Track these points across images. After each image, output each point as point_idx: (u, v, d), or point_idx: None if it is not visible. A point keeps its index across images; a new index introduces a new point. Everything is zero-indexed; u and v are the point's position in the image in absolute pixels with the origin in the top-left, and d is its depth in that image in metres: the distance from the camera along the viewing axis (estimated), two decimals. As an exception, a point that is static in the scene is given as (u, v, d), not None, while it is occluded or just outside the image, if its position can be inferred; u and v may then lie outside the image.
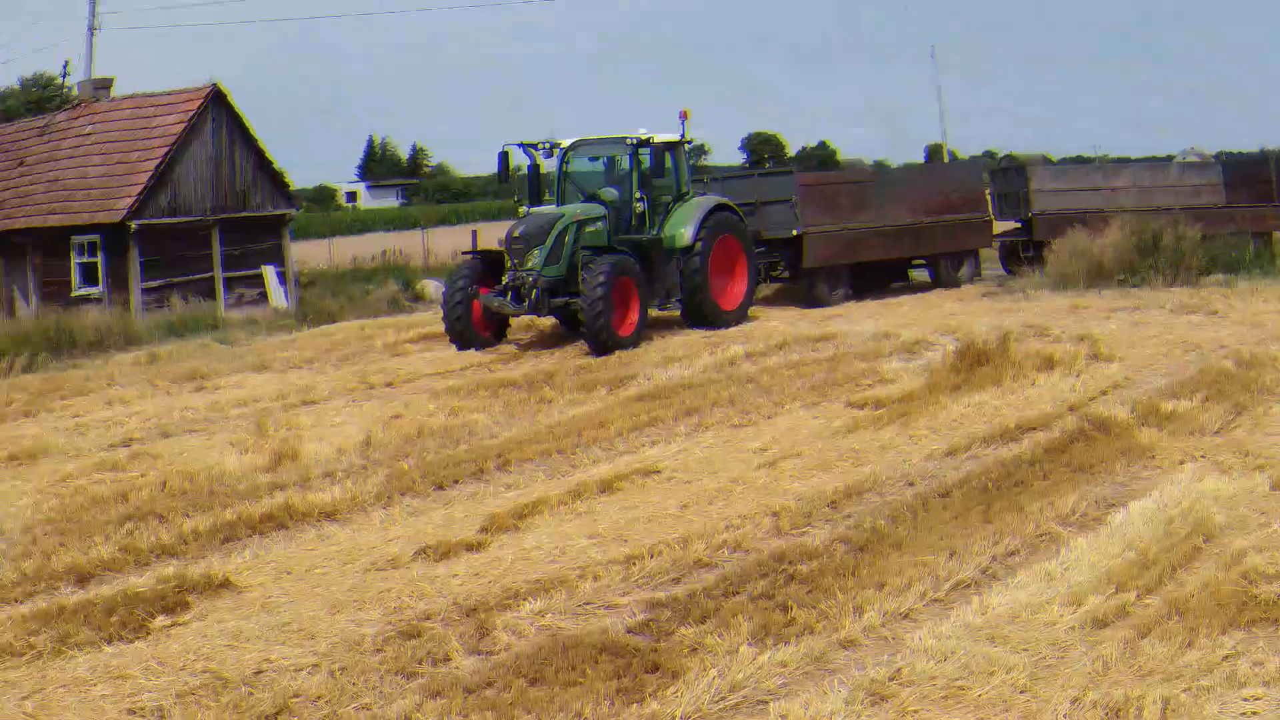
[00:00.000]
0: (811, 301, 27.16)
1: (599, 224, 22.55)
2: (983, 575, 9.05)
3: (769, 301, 27.86)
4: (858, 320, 24.01)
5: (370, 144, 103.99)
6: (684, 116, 23.92)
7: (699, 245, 23.01)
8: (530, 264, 21.59)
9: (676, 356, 20.47)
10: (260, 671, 7.68)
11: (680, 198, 23.86)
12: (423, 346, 23.39)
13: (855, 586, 8.73)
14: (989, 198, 32.28)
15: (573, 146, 23.95)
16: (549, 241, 21.70)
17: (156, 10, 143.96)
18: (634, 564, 9.49)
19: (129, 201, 34.27)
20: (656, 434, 14.54)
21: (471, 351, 22.12)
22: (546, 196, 24.53)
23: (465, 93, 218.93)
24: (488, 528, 10.72)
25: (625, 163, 23.53)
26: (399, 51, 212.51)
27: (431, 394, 18.02)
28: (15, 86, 64.77)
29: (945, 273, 30.40)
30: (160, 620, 8.75)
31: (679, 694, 6.97)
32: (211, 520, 11.48)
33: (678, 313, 23.66)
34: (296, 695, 7.26)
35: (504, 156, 24.95)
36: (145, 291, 33.99)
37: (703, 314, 23.22)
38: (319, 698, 7.24)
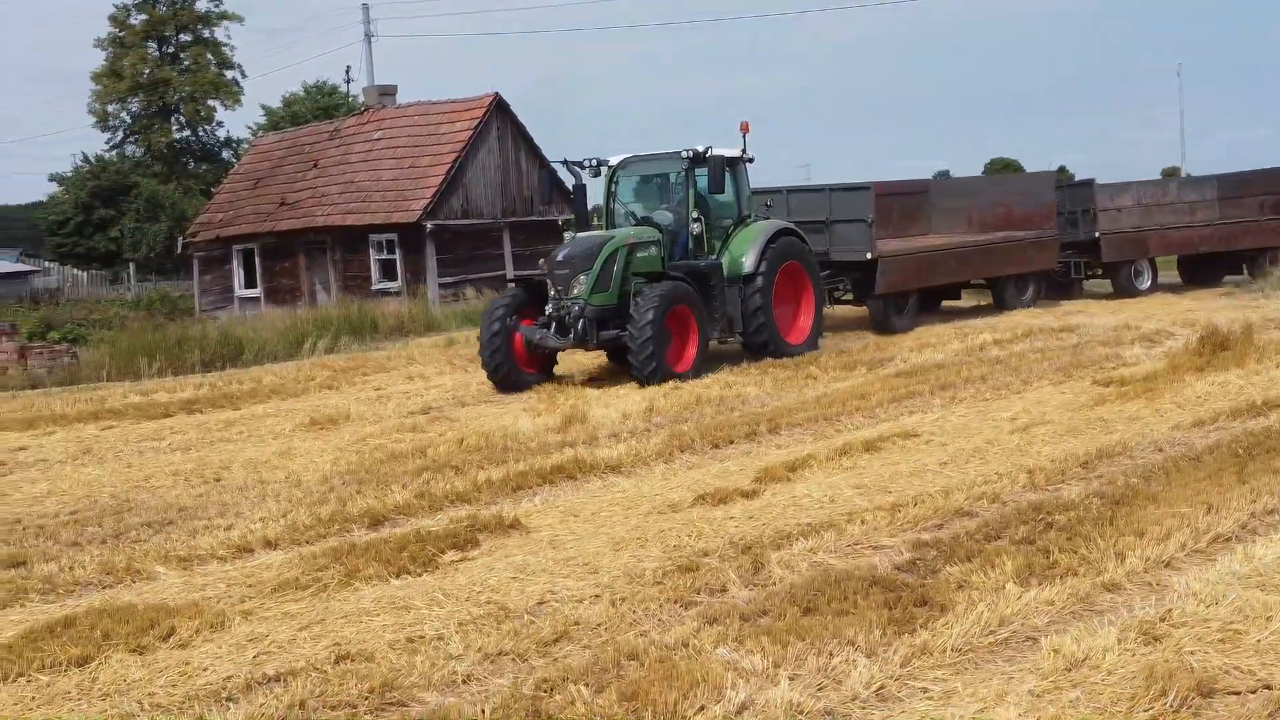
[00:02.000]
0: (882, 328, 22.89)
1: (652, 249, 18.52)
2: (1242, 530, 8.35)
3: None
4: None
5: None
6: (744, 130, 19.77)
7: (761, 274, 19.12)
8: (576, 292, 17.65)
9: (929, 343, 20.38)
10: (543, 602, 7.52)
11: (740, 220, 19.81)
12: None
13: (1114, 534, 8.16)
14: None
15: (621, 164, 19.85)
16: (596, 267, 17.68)
17: (429, 18, 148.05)
18: (898, 511, 9.11)
19: (423, 203, 35.30)
20: (914, 405, 14.25)
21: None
22: (596, 221, 20.92)
23: (724, 121, 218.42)
24: (761, 478, 10.48)
25: (679, 182, 19.36)
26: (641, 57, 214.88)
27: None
28: (300, 94, 67.56)
29: (1007, 295, 25.93)
30: (450, 556, 8.68)
31: (949, 625, 6.56)
32: (504, 471, 11.49)
33: (740, 346, 19.67)
34: (577, 623, 7.07)
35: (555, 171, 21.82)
36: (441, 286, 35.07)
37: (765, 348, 19.14)
38: (599, 625, 7.04)
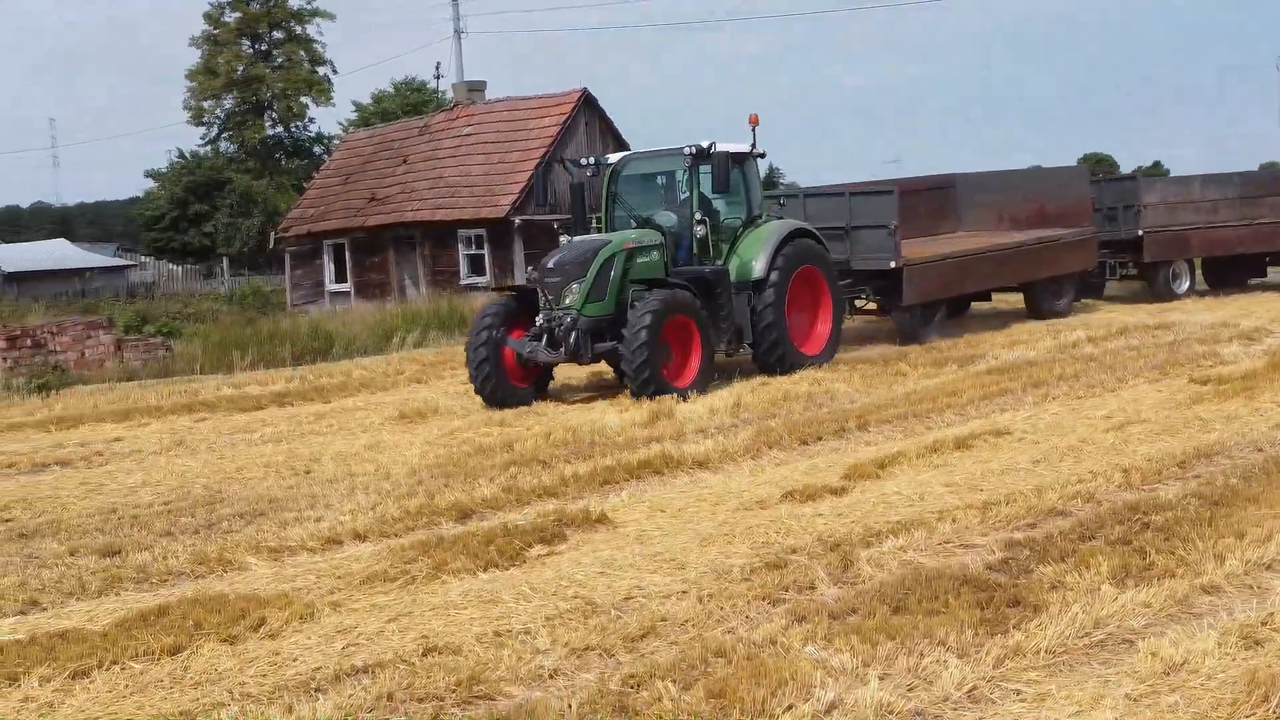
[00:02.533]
0: (909, 338, 21.03)
1: (653, 254, 16.99)
2: (1350, 534, 8.34)
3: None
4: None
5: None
6: (753, 123, 18.12)
7: (772, 279, 17.47)
8: (568, 301, 16.21)
9: (1020, 339, 20.10)
10: (630, 597, 7.47)
11: (751, 222, 18.16)
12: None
13: (1213, 535, 7.97)
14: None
15: (621, 162, 18.45)
16: (590, 274, 16.19)
17: (518, 14, 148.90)
18: (990, 509, 8.98)
19: (511, 199, 35.41)
20: (1005, 402, 14.04)
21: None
22: (595, 224, 19.10)
23: (828, 116, 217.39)
24: (850, 475, 10.38)
25: (682, 180, 17.83)
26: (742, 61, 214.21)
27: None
28: (390, 90, 68.11)
29: (1043, 300, 23.97)
30: (537, 550, 8.66)
31: (1042, 626, 6.43)
32: (591, 466, 11.49)
33: (750, 358, 18.06)
34: (664, 619, 7.01)
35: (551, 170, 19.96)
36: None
37: (777, 359, 17.47)
38: (686, 621, 6.98)
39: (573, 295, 16.22)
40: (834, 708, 5.69)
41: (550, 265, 16.60)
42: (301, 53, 67.76)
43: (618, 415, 14.33)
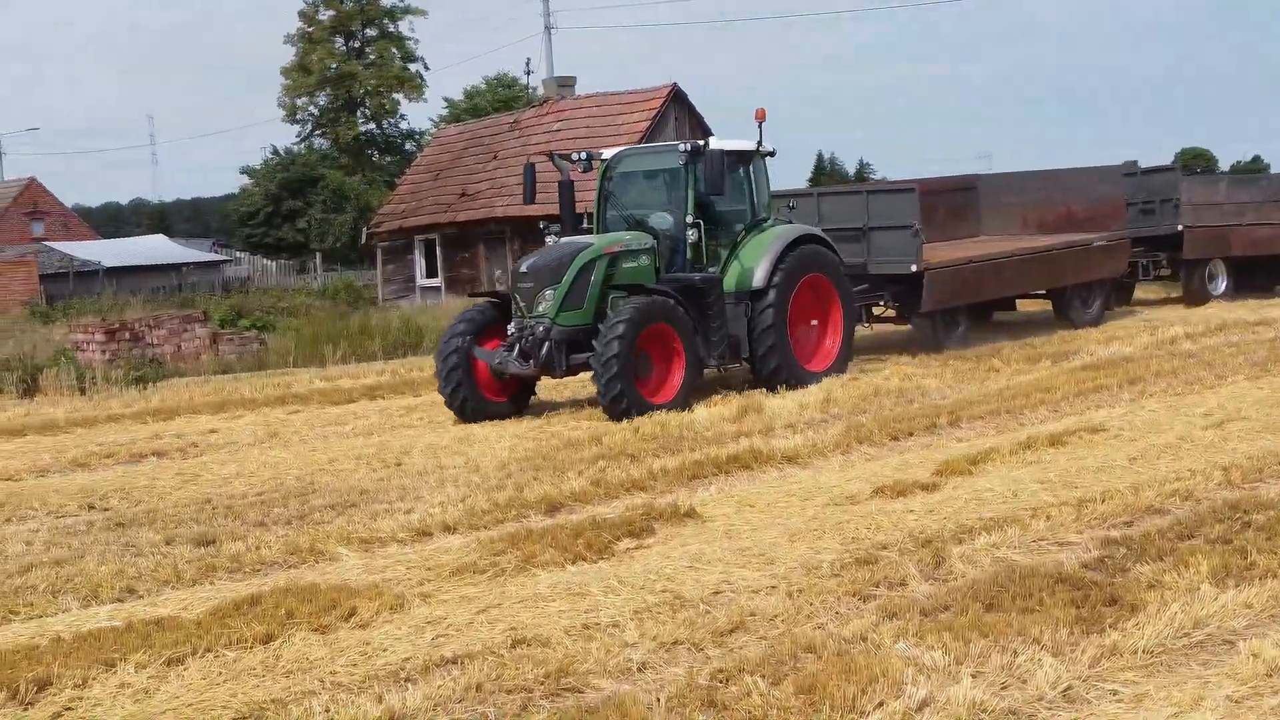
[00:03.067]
0: (931, 349, 19.41)
1: (643, 258, 15.57)
2: None
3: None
4: None
5: (819, 158, 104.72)
6: (760, 119, 16.64)
7: (773, 288, 15.84)
8: (541, 309, 14.86)
9: (1116, 335, 19.86)
10: (718, 592, 7.43)
11: (755, 225, 16.56)
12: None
13: None
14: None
15: (616, 159, 16.90)
16: (566, 279, 14.88)
17: (609, 9, 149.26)
18: (1085, 507, 8.85)
19: (600, 194, 35.47)
20: (1100, 399, 13.85)
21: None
22: (586, 225, 17.49)
23: (914, 110, 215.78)
24: (941, 471, 10.28)
25: (678, 179, 16.09)
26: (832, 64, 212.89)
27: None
28: (481, 86, 68.49)
29: (1072, 308, 22.15)
30: (625, 544, 8.66)
31: (1140, 626, 6.32)
32: (679, 461, 11.46)
33: (747, 373, 16.45)
34: (753, 614, 6.98)
35: (530, 170, 17.51)
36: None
37: (778, 376, 15.82)
38: (775, 616, 6.95)
39: (546, 302, 14.93)
40: (925, 705, 5.61)
41: (524, 269, 15.35)
42: (394, 50, 68.30)
43: (706, 410, 14.30)
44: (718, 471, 11.10)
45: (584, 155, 16.98)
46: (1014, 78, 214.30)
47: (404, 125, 71.54)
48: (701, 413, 14.15)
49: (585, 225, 17.26)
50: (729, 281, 15.96)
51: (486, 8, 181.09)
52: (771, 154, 16.86)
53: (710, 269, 15.93)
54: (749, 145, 16.61)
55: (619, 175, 16.95)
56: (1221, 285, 26.02)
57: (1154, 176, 25.48)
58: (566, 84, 42.32)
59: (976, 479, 10.11)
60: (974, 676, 5.88)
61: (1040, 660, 6.03)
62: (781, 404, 14.44)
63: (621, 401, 14.11)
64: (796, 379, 15.91)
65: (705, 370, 15.82)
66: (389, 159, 69.57)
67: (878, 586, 7.46)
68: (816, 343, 17.03)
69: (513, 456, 12.35)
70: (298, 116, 69.50)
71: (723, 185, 15.37)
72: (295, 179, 64.15)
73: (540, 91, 47.98)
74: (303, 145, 69.79)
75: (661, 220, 16.21)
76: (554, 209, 18.50)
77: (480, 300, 16.36)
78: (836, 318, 17.11)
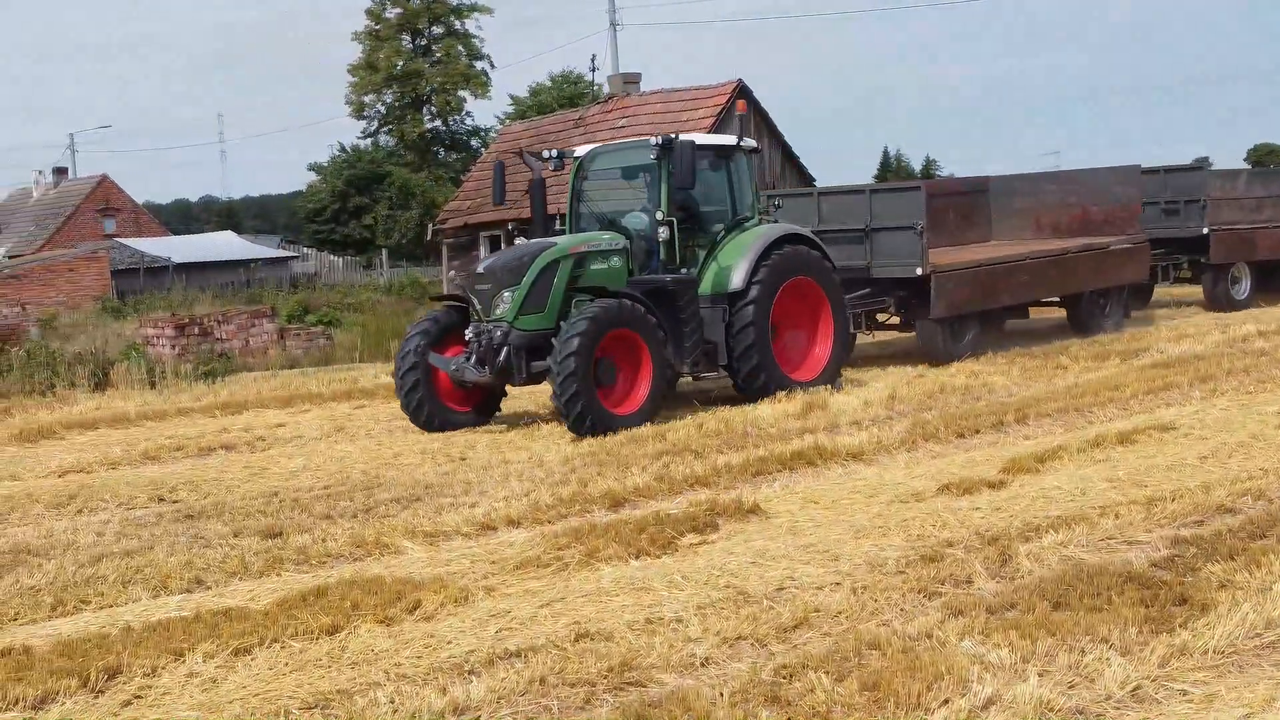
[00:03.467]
0: (937, 357, 18.29)
1: (614, 259, 14.68)
2: None
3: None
4: None
5: (885, 154, 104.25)
6: (741, 111, 16.48)
7: (753, 291, 14.84)
8: (499, 312, 14.05)
9: (1187, 333, 19.64)
10: (782, 588, 7.41)
11: (737, 224, 15.56)
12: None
13: None
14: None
15: (588, 156, 16.07)
16: (526, 281, 14.01)
17: (672, 5, 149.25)
18: (1154, 505, 8.75)
19: (665, 189, 35.44)
20: (1170, 397, 13.70)
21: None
22: (559, 225, 16.52)
23: (978, 107, 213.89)
24: (1008, 469, 10.19)
25: (652, 176, 15.26)
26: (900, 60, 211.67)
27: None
28: (546, 83, 68.59)
29: (1088, 315, 21.15)
30: (689, 539, 8.64)
31: (1210, 626, 6.23)
32: (743, 457, 11.46)
33: (727, 381, 15.62)
34: (817, 610, 6.95)
35: (500, 170, 16.85)
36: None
37: (758, 383, 14.92)
38: (839, 613, 6.92)
39: (504, 305, 14.10)
40: (991, 703, 5.56)
41: (480, 270, 14.61)
42: (460, 47, 68.53)
43: (771, 407, 14.27)
44: (782, 468, 11.08)
45: (555, 153, 16.12)
46: (1086, 73, 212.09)
47: (470, 122, 71.78)
48: (766, 409, 14.14)
49: (559, 226, 16.40)
50: (706, 284, 15.07)
51: (552, 5, 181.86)
52: (756, 150, 16.22)
53: (688, 270, 15.10)
54: (727, 140, 15.99)
55: (592, 173, 16.14)
56: (1245, 289, 25.00)
57: (1179, 175, 24.63)
58: (631, 80, 42.27)
59: (1044, 477, 10.01)
60: (1041, 675, 5.83)
61: (1109, 659, 5.96)
62: (846, 401, 14.41)
63: (585, 419, 13.25)
64: (779, 388, 14.95)
65: (680, 379, 15.24)
66: (454, 156, 69.83)
67: (943, 584, 7.41)
68: (804, 351, 16.03)
69: (576, 451, 12.39)
70: (364, 114, 69.90)
71: (692, 178, 14.40)
72: (362, 176, 64.58)
73: (605, 88, 47.97)
74: (369, 142, 70.25)
75: (636, 220, 15.40)
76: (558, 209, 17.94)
77: (440, 305, 15.68)
78: (826, 324, 16.01)
